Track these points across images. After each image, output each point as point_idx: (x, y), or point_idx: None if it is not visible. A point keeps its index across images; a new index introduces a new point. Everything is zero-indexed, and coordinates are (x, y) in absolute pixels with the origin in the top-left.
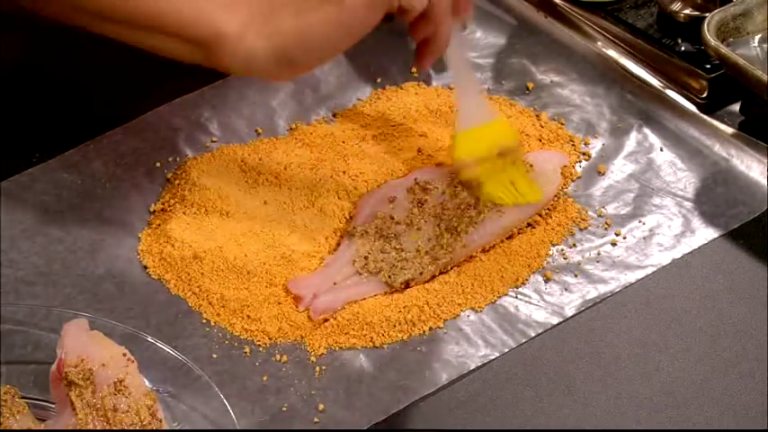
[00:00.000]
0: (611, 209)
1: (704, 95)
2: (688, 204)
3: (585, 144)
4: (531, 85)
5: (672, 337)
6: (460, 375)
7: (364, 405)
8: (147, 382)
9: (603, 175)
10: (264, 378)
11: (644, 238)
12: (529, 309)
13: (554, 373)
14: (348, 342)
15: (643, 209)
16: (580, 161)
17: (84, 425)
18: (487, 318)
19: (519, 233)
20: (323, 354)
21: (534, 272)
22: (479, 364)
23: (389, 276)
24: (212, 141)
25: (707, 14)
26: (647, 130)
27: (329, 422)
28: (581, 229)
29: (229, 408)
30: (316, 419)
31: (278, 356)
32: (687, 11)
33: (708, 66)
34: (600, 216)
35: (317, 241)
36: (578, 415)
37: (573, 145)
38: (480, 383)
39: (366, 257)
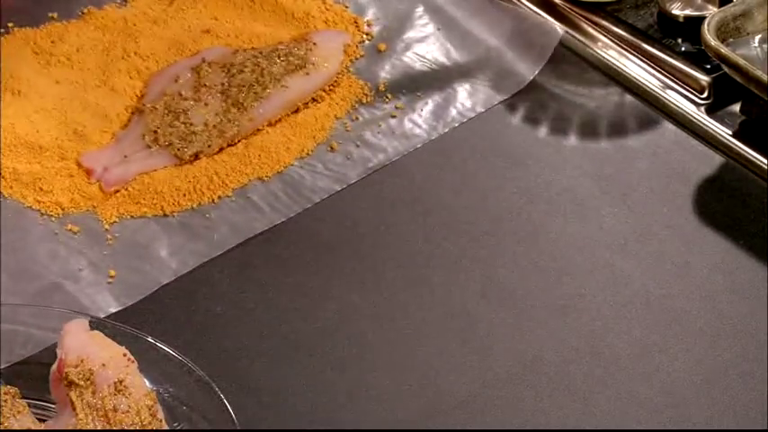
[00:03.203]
0: (393, 84)
1: (705, 96)
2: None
3: (368, 25)
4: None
5: (672, 338)
6: (248, 238)
7: (154, 268)
8: (147, 383)
9: (383, 52)
10: (57, 245)
11: (422, 109)
12: (314, 177)
13: (554, 373)
14: (139, 211)
15: (428, 85)
16: (363, 41)
17: (85, 425)
18: (274, 186)
19: (304, 107)
20: (114, 222)
21: (319, 143)
22: (266, 227)
23: (179, 149)
24: (7, 25)
25: (707, 15)
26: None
27: (120, 285)
28: (363, 104)
29: (229, 407)
30: (108, 281)
31: (70, 226)
32: (687, 11)
33: (708, 66)
34: (382, 91)
35: (108, 118)
36: (578, 415)
37: (356, 25)
38: (479, 384)
39: (156, 132)
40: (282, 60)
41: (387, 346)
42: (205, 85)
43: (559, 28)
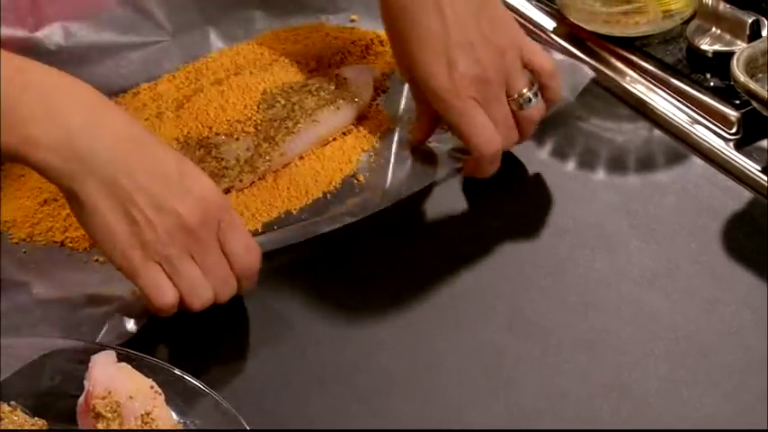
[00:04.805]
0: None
1: (733, 131)
2: None
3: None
4: None
5: (700, 374)
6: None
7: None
8: (174, 415)
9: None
10: (89, 275)
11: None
12: (340, 209)
13: (580, 408)
14: None
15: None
16: (391, 74)
17: None
18: (299, 218)
19: (332, 140)
20: None
21: (346, 175)
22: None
23: None
24: None
25: (736, 50)
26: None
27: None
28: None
29: None
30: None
31: (98, 257)
32: (716, 47)
33: (737, 101)
34: (409, 122)
35: None
36: None
37: (385, 59)
38: (505, 418)
39: None
40: (314, 95)
41: (412, 380)
42: (237, 120)
43: (590, 69)
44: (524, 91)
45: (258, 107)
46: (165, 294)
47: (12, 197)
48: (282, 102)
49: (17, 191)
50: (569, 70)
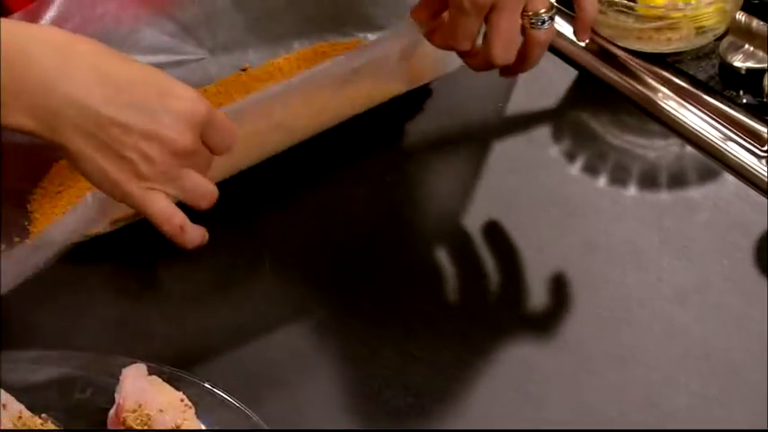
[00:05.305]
0: None
1: (766, 148)
2: None
3: None
4: None
5: (731, 391)
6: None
7: None
8: (204, 428)
9: None
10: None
11: None
12: None
13: (610, 424)
14: None
15: None
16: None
17: None
18: None
19: None
20: None
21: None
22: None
23: None
24: None
25: None
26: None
27: None
28: None
29: None
30: None
31: None
32: (749, 63)
33: None
34: None
35: None
36: None
37: None
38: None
39: None
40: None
41: (442, 394)
42: None
43: None
44: (541, 11)
45: None
46: (172, 218)
47: (49, 213)
48: None
49: (54, 207)
50: None
